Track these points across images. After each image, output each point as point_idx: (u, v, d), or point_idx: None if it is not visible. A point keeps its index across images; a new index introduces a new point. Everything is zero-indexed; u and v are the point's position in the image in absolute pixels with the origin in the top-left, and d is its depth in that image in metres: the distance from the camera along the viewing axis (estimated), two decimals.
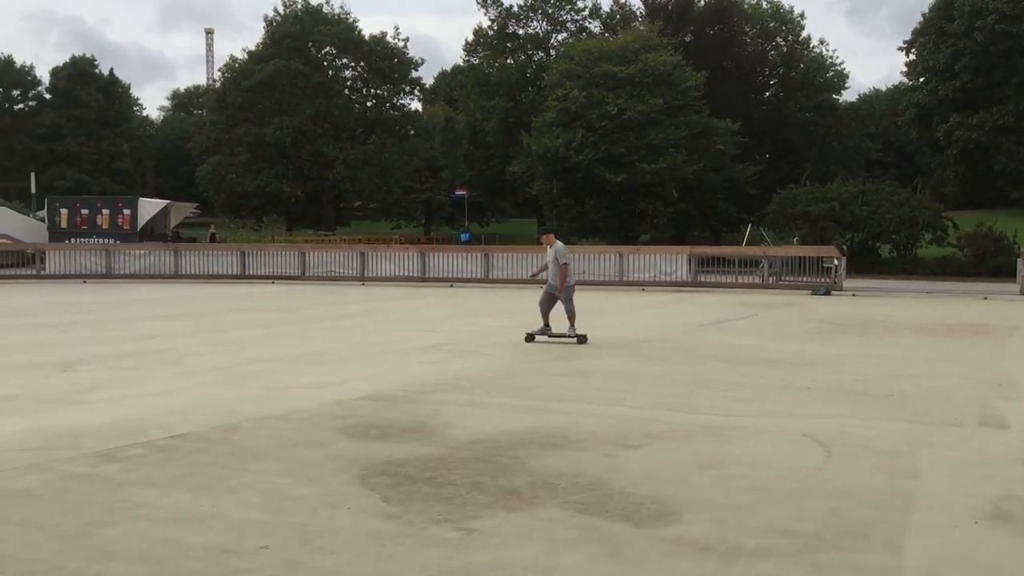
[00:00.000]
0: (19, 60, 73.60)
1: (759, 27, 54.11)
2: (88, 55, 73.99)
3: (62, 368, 10.53)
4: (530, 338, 13.21)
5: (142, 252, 32.68)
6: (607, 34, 53.29)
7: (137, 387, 9.27)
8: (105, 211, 39.43)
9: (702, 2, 52.24)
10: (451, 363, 11.21)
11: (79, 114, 69.31)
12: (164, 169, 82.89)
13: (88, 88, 70.58)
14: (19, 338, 13.93)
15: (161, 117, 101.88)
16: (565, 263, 13.26)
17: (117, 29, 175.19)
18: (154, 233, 41.18)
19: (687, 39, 50.25)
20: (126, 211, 39.53)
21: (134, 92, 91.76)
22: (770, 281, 27.13)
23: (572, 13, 56.32)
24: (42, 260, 32.49)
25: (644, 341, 13.64)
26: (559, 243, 13.47)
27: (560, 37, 56.85)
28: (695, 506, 5.20)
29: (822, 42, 57.65)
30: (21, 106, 72.41)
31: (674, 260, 28.24)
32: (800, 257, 27.52)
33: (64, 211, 39.25)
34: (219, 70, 73.55)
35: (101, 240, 36.20)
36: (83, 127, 69.50)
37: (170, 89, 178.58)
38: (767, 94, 55.28)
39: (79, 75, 71.00)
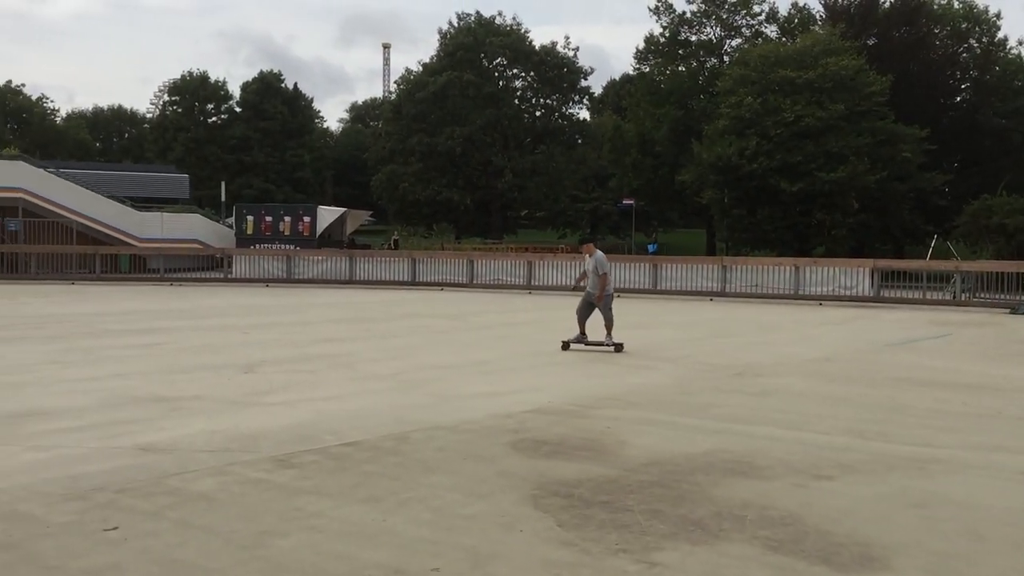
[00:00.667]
0: (213, 76, 78.52)
1: (950, 28, 50.77)
2: (275, 70, 78.21)
3: (244, 370, 10.89)
4: (566, 346, 13.26)
5: (320, 258, 33.93)
6: (784, 38, 51.43)
7: (312, 391, 9.43)
8: (287, 218, 41.21)
9: (887, 3, 49.56)
10: (622, 377, 10.87)
11: (265, 126, 73.18)
12: (341, 178, 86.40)
13: (274, 101, 74.48)
14: (208, 339, 14.60)
15: (340, 129, 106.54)
16: (605, 273, 13.26)
17: (302, 45, 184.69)
18: (331, 240, 42.78)
19: (871, 42, 47.77)
20: (306, 218, 41.17)
21: (316, 105, 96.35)
22: (963, 298, 25.25)
23: (748, 18, 54.72)
24: (229, 264, 34.29)
25: (827, 360, 12.85)
26: (599, 252, 13.59)
27: (734, 43, 55.30)
28: (904, 550, 4.66)
29: (1021, 43, 53.23)
30: (214, 119, 77.08)
31: (855, 274, 26.74)
32: (997, 272, 25.47)
33: (250, 218, 41.26)
34: (395, 83, 76.31)
35: (283, 246, 37.86)
36: (269, 138, 73.34)
37: (349, 102, 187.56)
38: (958, 99, 51.75)
39: (266, 89, 75.04)
